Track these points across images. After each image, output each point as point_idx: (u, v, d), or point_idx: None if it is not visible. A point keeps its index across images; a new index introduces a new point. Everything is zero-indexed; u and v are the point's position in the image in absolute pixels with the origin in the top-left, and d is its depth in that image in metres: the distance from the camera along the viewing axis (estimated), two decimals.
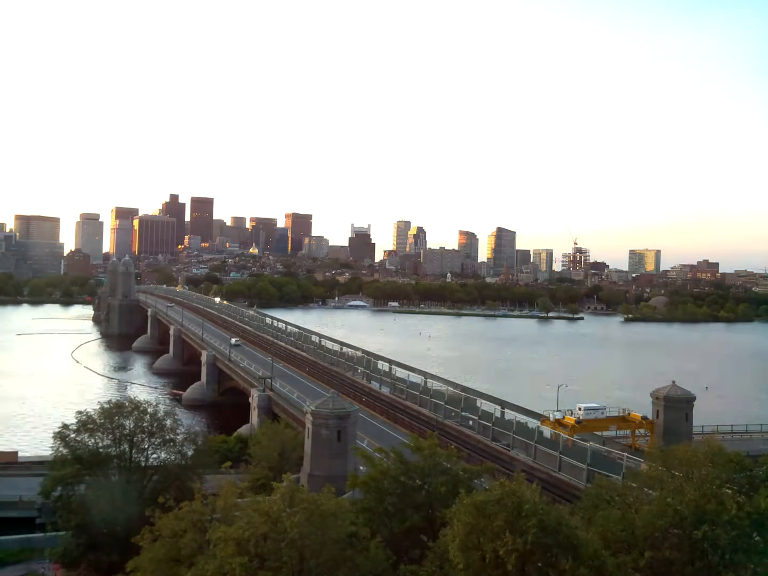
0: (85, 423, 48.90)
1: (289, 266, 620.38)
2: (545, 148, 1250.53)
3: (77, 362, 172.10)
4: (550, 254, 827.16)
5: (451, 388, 71.31)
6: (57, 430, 49.80)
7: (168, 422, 50.64)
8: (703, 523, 26.41)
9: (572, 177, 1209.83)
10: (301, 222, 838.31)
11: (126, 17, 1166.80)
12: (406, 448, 39.87)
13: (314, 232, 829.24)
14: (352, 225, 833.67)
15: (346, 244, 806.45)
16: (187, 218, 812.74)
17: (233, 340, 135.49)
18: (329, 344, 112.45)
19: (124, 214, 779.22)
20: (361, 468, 43.80)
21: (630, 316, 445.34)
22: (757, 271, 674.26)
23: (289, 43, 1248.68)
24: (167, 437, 50.21)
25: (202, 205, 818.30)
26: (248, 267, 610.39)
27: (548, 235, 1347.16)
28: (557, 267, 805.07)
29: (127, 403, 51.94)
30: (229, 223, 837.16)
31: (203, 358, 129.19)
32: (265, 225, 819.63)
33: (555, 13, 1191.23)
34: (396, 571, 28.96)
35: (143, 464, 49.31)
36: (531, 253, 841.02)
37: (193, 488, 34.16)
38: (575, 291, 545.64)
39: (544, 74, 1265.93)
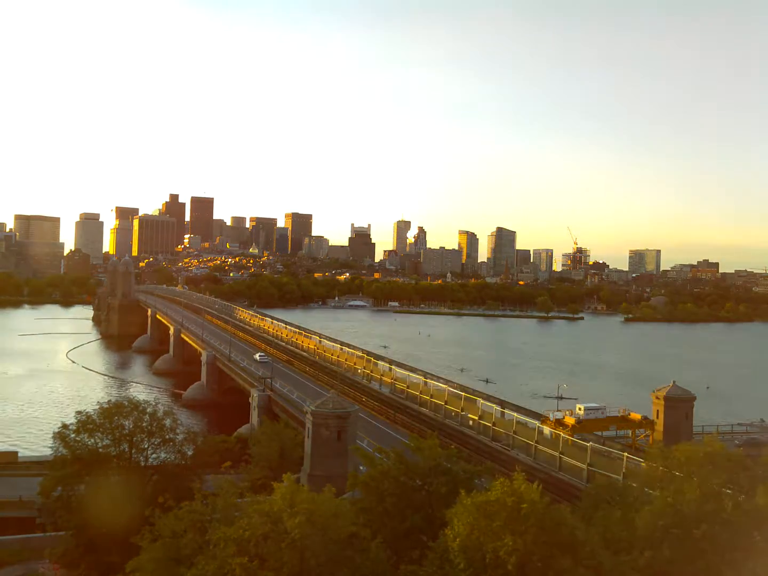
0: (85, 423, 48.89)
1: (289, 266, 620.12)
2: (545, 148, 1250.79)
3: (73, 362, 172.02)
4: (550, 254, 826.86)
5: (451, 388, 71.28)
6: (57, 430, 49.83)
7: (168, 422, 50.63)
8: (703, 522, 26.40)
9: (572, 177, 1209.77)
10: (301, 222, 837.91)
11: (127, 18, 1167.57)
12: (406, 448, 39.87)
13: (314, 232, 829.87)
14: (352, 225, 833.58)
15: (346, 244, 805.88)
16: (187, 218, 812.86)
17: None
18: (329, 344, 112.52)
19: (124, 214, 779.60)
20: (361, 468, 43.78)
21: (630, 316, 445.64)
22: (757, 271, 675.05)
23: (288, 44, 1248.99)
24: (167, 437, 50.20)
25: (202, 205, 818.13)
26: (248, 267, 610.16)
27: (548, 235, 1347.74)
28: (557, 267, 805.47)
29: (126, 403, 51.95)
30: (229, 223, 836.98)
31: (203, 358, 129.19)
32: (265, 225, 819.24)
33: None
34: (396, 572, 28.92)
35: (143, 464, 49.32)
36: (531, 253, 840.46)
37: (193, 488, 34.14)
38: (575, 291, 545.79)
39: (545, 73, 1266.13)
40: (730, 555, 26.48)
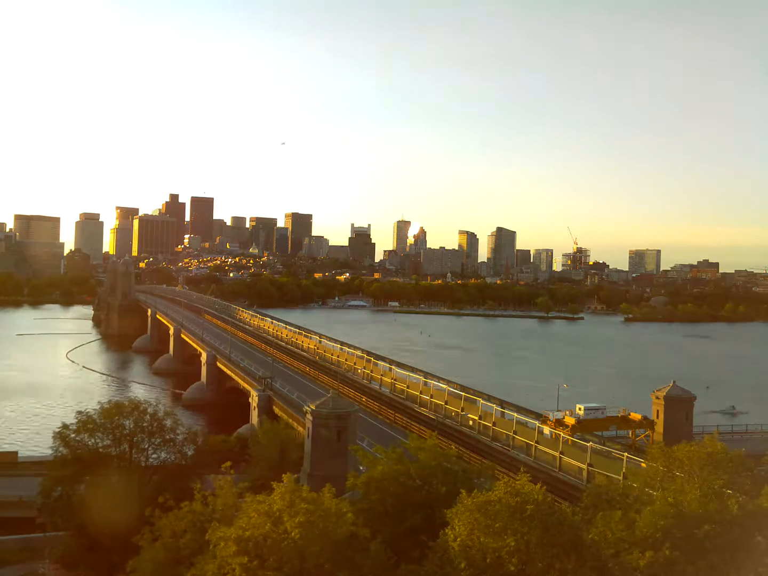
0: (85, 423, 48.95)
1: (289, 266, 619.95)
2: (545, 148, 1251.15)
3: (73, 362, 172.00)
4: (550, 254, 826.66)
5: (451, 388, 71.25)
6: (57, 430, 49.85)
7: (168, 422, 50.69)
8: (705, 523, 26.34)
9: (572, 177, 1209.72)
10: (301, 222, 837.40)
11: (126, 18, 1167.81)
12: (406, 448, 39.84)
13: (314, 232, 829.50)
14: (352, 225, 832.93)
15: (346, 244, 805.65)
16: (187, 218, 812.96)
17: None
18: (330, 344, 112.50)
19: (124, 214, 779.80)
20: (361, 468, 43.76)
21: (630, 316, 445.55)
22: (757, 271, 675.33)
23: (289, 45, 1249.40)
24: (167, 437, 50.26)
25: (202, 205, 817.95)
26: (248, 267, 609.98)
27: (548, 235, 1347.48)
28: (557, 267, 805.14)
29: (127, 403, 51.98)
30: (229, 223, 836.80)
31: (203, 358, 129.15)
32: (265, 225, 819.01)
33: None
34: (396, 572, 28.87)
35: (143, 464, 49.34)
36: (531, 253, 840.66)
37: (193, 488, 34.12)
38: (576, 291, 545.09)
39: (545, 73, 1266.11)
40: (731, 555, 26.43)
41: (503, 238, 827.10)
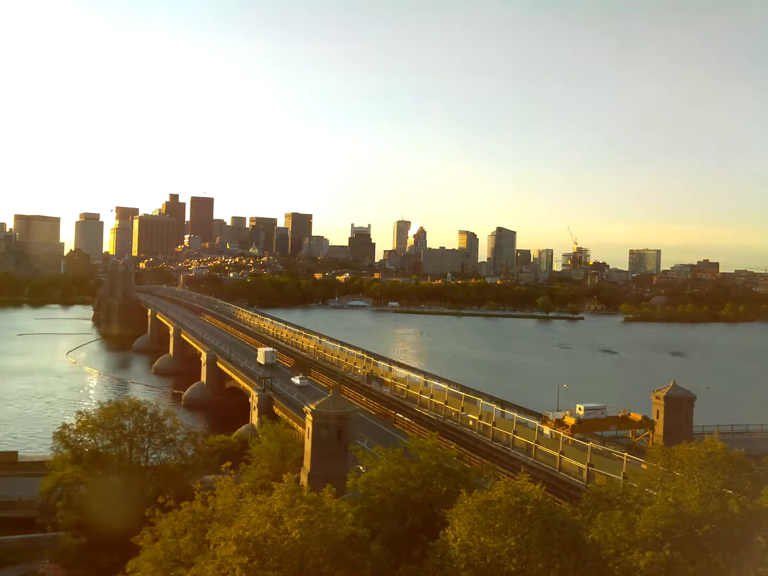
0: (85, 423, 49.04)
1: (289, 266, 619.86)
2: (545, 147, 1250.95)
3: (74, 362, 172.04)
4: (550, 254, 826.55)
5: (451, 388, 71.25)
6: (57, 430, 49.94)
7: (168, 422, 50.76)
8: (705, 523, 26.33)
9: (572, 177, 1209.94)
10: (301, 222, 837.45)
11: (126, 18, 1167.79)
12: (406, 448, 39.84)
13: (314, 232, 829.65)
14: (352, 225, 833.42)
15: (346, 244, 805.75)
16: (187, 218, 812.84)
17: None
18: (330, 344, 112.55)
19: (124, 214, 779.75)
20: (361, 468, 43.75)
21: (630, 316, 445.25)
22: (757, 271, 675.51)
23: (288, 45, 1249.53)
24: (167, 437, 50.33)
25: (202, 205, 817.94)
26: (248, 267, 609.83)
27: (548, 235, 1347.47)
28: (557, 267, 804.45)
29: (126, 403, 52.02)
30: (229, 223, 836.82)
31: (203, 358, 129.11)
32: (265, 225, 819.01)
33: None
34: (397, 571, 28.86)
35: (143, 464, 49.37)
36: (531, 253, 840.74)
37: (193, 488, 34.15)
38: (576, 291, 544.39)
39: (544, 74, 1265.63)
40: (732, 555, 26.41)
41: (503, 238, 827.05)
